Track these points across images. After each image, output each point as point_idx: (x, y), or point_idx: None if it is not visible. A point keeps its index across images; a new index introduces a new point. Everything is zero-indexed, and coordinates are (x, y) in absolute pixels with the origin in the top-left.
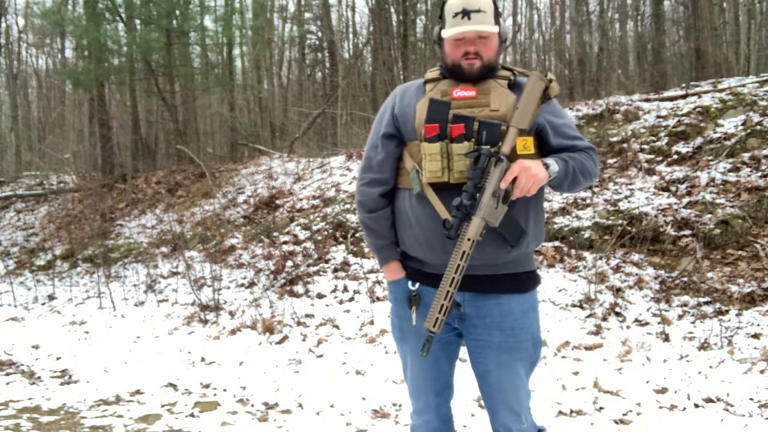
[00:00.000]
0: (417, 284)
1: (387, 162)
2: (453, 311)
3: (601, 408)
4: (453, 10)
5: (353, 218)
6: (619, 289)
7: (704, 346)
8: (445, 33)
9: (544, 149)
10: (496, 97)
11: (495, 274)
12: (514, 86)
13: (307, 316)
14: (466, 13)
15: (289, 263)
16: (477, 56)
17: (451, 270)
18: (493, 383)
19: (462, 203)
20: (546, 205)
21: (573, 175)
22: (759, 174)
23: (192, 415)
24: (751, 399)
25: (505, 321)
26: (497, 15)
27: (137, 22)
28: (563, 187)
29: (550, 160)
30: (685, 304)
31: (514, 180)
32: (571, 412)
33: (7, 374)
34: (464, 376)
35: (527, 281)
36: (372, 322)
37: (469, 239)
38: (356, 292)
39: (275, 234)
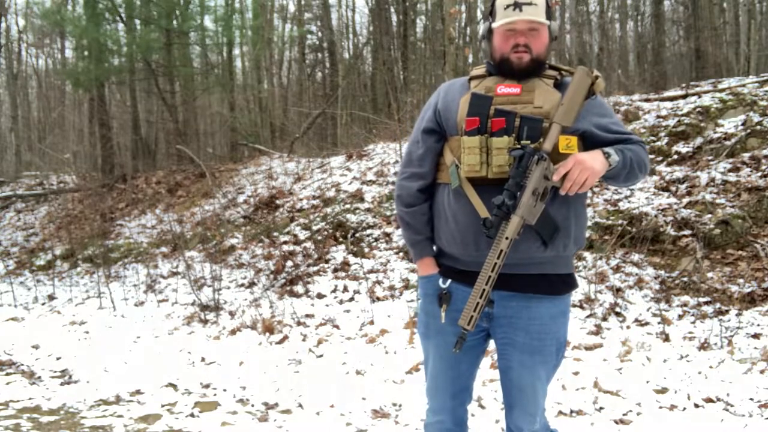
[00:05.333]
0: (449, 282)
1: (427, 157)
2: (486, 309)
3: (601, 408)
4: (505, 2)
5: (353, 218)
6: (619, 289)
7: (704, 346)
8: (496, 23)
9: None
10: (541, 94)
11: (527, 273)
12: (561, 86)
13: (307, 316)
14: (517, 5)
15: (289, 263)
16: (527, 49)
17: (488, 268)
18: (514, 381)
19: (504, 202)
20: None
21: (630, 167)
22: (759, 174)
23: (192, 415)
24: (751, 399)
25: (532, 324)
26: (548, 10)
27: (137, 22)
28: (620, 178)
29: (610, 150)
30: (685, 304)
31: (565, 175)
32: (571, 412)
33: (7, 374)
34: None
35: (560, 284)
36: (372, 322)
37: (507, 238)
38: (356, 292)
39: (275, 234)
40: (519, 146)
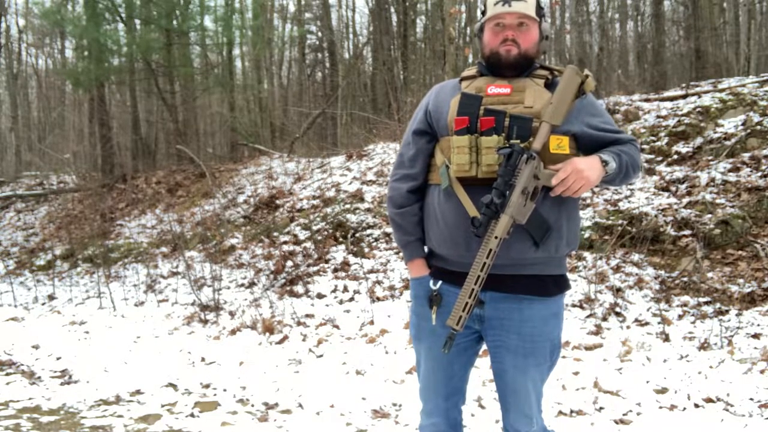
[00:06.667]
0: (439, 283)
1: (418, 158)
2: (476, 310)
3: (601, 408)
4: None
5: (353, 218)
6: (619, 289)
7: (704, 346)
8: (486, 17)
9: (588, 150)
10: (531, 94)
11: (519, 274)
12: (552, 86)
13: (307, 316)
14: (506, 1)
15: (289, 263)
16: (514, 43)
17: (477, 268)
18: (508, 384)
19: (492, 201)
20: None
21: (626, 170)
22: (759, 174)
23: (192, 415)
24: (751, 399)
25: (524, 326)
26: (539, 9)
27: (137, 22)
28: (615, 182)
29: (608, 157)
30: (685, 304)
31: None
32: (571, 412)
33: (7, 374)
34: None
35: (552, 285)
36: (372, 322)
37: (496, 237)
38: (356, 292)
39: (275, 234)
40: (508, 145)
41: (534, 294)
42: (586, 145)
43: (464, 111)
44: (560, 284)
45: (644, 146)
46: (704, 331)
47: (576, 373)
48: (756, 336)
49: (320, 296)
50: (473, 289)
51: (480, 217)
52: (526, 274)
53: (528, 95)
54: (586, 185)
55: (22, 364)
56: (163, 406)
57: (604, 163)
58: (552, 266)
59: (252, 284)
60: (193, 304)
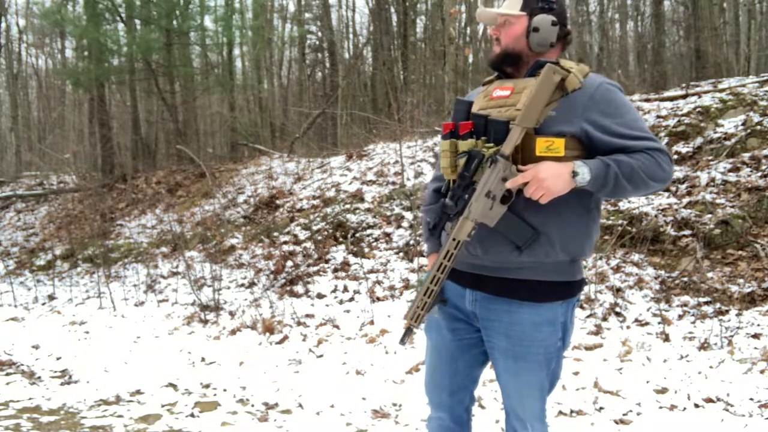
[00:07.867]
0: None
1: None
2: (469, 307)
3: (601, 408)
4: None
5: (353, 218)
6: (619, 289)
7: (704, 346)
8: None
9: (593, 154)
10: (527, 95)
11: (504, 277)
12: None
13: (307, 316)
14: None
15: (289, 263)
16: (497, 42)
17: (434, 268)
18: (503, 385)
19: (445, 204)
20: None
21: (615, 183)
22: (759, 174)
23: (192, 415)
24: (751, 399)
25: (513, 330)
26: (531, 2)
27: (137, 22)
28: (602, 194)
29: (584, 168)
30: (685, 304)
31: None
32: (571, 412)
33: (7, 374)
34: None
35: (545, 291)
36: (372, 322)
37: (454, 239)
38: (356, 292)
39: (275, 234)
40: (466, 150)
41: (521, 298)
42: (591, 149)
43: (454, 116)
44: (557, 291)
45: None
46: (704, 331)
47: (576, 373)
48: (756, 336)
49: (320, 296)
50: (428, 288)
51: (430, 219)
52: (512, 278)
53: (524, 96)
54: (546, 195)
55: (22, 364)
56: (163, 406)
57: (574, 174)
58: (544, 272)
59: (252, 284)
60: (193, 304)
